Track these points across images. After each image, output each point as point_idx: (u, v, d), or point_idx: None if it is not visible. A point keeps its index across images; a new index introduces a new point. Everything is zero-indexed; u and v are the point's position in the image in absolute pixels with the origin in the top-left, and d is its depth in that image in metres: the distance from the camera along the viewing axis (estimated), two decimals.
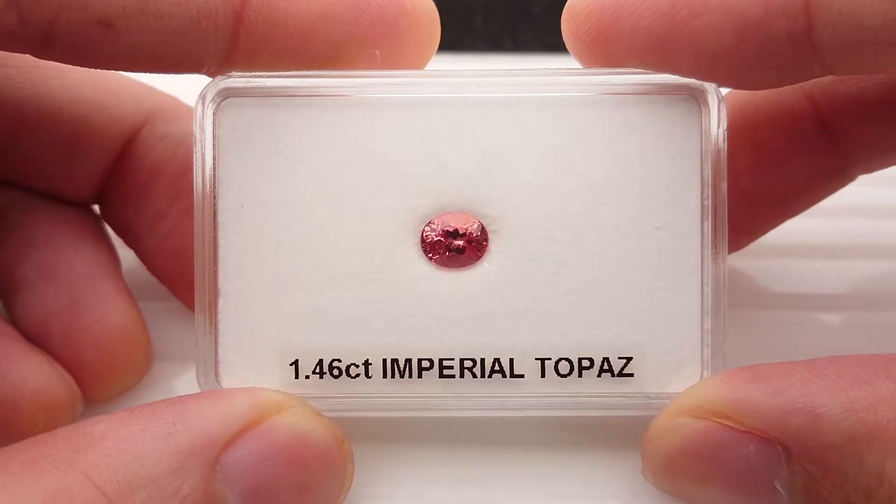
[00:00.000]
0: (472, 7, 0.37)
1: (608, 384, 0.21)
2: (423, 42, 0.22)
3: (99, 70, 0.24)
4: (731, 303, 0.25)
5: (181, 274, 0.24)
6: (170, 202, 0.24)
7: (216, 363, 0.21)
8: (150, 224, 0.25)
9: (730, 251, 0.24)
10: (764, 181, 0.24)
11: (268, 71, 0.21)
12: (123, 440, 0.18)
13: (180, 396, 0.19)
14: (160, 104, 0.25)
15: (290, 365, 0.21)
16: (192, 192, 0.21)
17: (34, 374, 0.23)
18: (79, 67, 0.22)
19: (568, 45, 0.22)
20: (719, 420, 0.19)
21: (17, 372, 0.23)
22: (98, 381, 0.24)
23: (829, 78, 0.23)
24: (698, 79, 0.21)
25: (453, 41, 0.37)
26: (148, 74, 0.22)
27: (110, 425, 0.18)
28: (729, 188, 0.21)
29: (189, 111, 0.23)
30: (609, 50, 0.21)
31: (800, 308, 0.26)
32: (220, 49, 0.20)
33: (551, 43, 0.22)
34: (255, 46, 0.20)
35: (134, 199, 0.25)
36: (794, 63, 0.20)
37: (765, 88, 0.21)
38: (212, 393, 0.20)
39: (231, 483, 0.18)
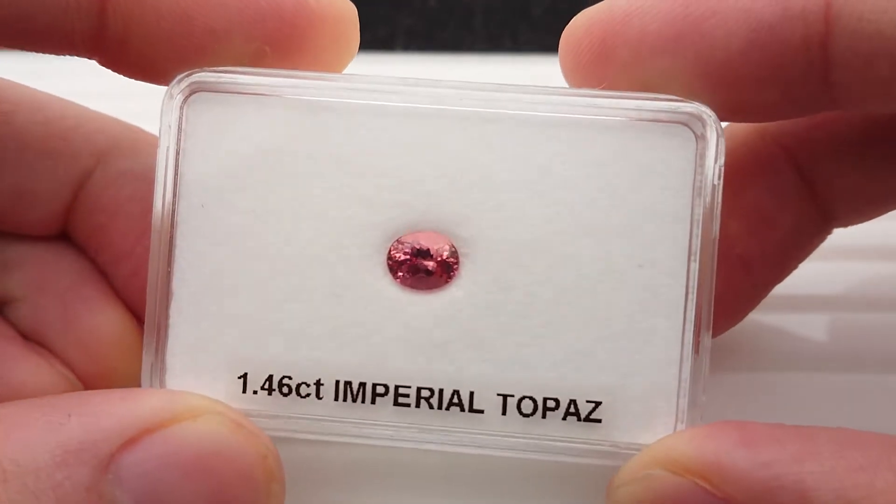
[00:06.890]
0: (472, 7, 0.36)
1: (573, 429, 0.20)
2: (333, 44, 0.20)
3: (52, 110, 0.23)
4: None
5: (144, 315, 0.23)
6: (133, 242, 0.23)
7: (162, 369, 0.20)
8: (112, 264, 0.23)
9: (728, 325, 0.23)
10: (758, 245, 0.23)
11: (149, 63, 0.20)
12: (12, 427, 0.17)
13: (93, 391, 0.18)
14: (118, 139, 0.23)
15: (239, 378, 0.20)
16: None
17: (33, 375, 0.22)
18: (29, 110, 0.21)
19: (564, 64, 0.20)
20: (696, 480, 0.18)
21: (17, 374, 0.22)
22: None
23: (798, 124, 0.22)
24: (697, 97, 0.19)
25: (453, 41, 0.36)
26: (108, 103, 0.21)
27: (9, 410, 0.17)
28: (724, 257, 0.19)
29: (154, 140, 0.21)
30: (608, 63, 0.19)
31: (799, 309, 0.25)
32: (88, 24, 0.19)
33: (551, 44, 0.21)
34: (125, 25, 0.19)
35: (94, 241, 0.23)
36: (803, 80, 0.18)
37: (762, 118, 0.20)
38: (125, 390, 0.19)
39: (124, 486, 0.17)
